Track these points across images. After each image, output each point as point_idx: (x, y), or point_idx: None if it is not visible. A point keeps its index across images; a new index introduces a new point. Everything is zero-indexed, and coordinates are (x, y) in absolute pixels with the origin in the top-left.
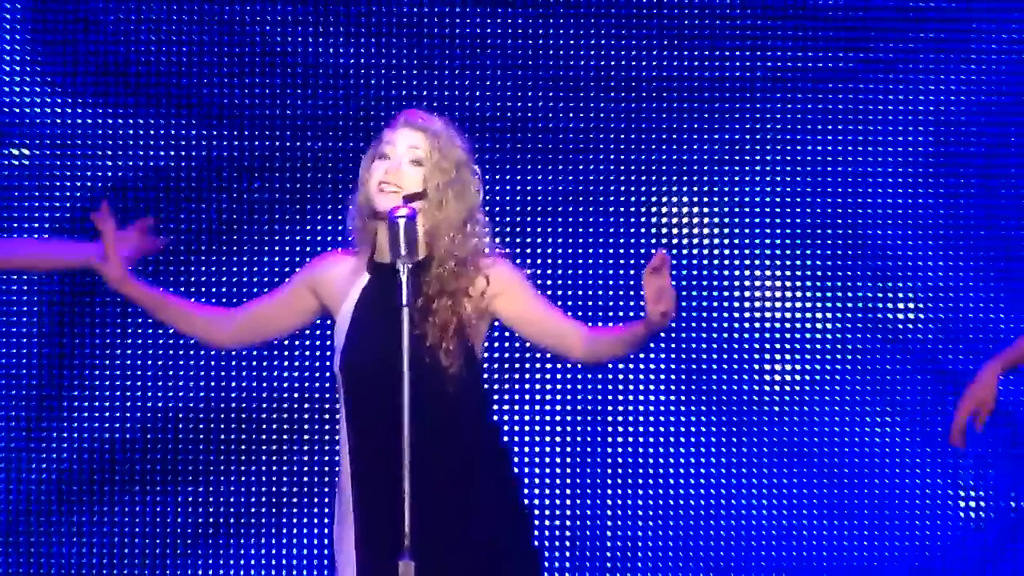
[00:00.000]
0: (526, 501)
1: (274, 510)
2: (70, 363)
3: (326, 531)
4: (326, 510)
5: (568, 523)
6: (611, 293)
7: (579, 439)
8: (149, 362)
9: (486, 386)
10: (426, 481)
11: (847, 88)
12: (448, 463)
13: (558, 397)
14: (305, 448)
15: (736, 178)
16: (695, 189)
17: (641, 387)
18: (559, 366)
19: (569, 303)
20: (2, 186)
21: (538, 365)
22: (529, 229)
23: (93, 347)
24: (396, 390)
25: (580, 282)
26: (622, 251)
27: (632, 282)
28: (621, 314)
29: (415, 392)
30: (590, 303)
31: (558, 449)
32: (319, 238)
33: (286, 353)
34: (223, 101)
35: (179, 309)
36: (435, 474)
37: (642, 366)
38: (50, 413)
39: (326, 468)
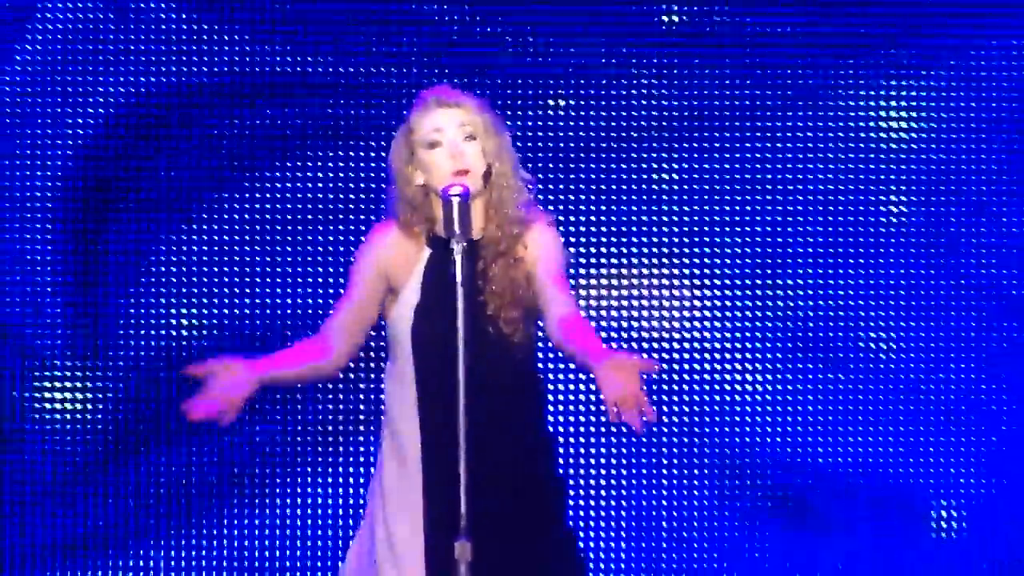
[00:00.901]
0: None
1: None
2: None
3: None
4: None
5: None
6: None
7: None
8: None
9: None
10: (491, 450)
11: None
12: (514, 430)
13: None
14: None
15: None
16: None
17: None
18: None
19: None
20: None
21: None
22: None
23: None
24: (460, 364)
25: None
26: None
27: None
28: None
29: (481, 362)
30: None
31: None
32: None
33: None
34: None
35: (288, 375)
36: (501, 443)
37: None
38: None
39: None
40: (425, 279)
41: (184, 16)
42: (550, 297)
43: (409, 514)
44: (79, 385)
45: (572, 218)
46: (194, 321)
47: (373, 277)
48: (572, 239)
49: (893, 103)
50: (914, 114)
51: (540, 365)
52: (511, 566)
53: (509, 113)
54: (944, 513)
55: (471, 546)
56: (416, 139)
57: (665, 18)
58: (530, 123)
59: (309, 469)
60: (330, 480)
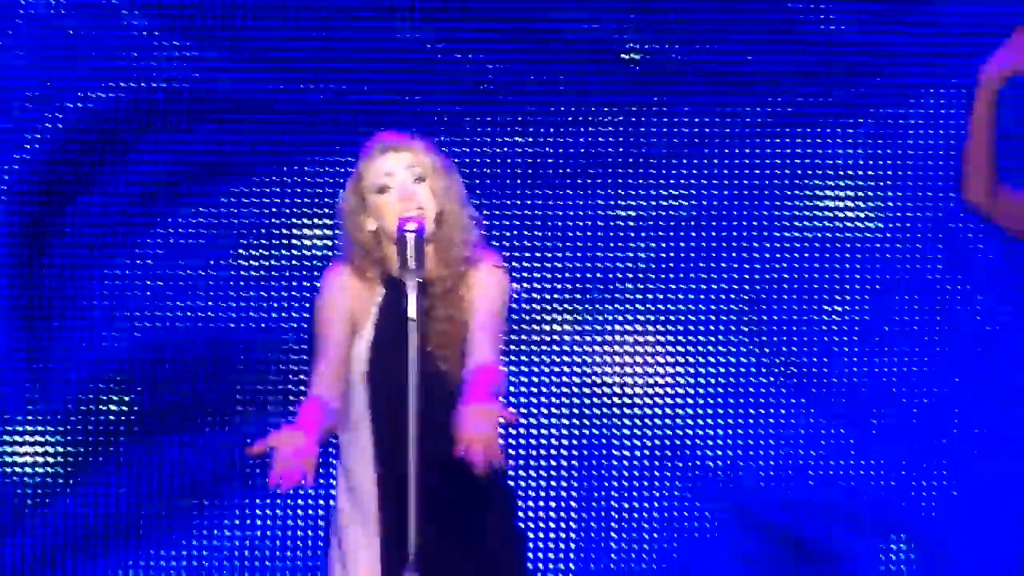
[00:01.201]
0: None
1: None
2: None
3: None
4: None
5: None
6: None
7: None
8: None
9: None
10: (446, 480)
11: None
12: (467, 472)
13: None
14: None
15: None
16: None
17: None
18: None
19: None
20: None
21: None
22: None
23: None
24: (412, 398)
25: None
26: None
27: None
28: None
29: (432, 399)
30: None
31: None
32: None
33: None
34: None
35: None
36: (452, 474)
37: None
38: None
39: None
40: (379, 318)
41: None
42: (475, 341)
43: (370, 532)
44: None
45: (527, 254)
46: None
47: (343, 319)
48: (526, 275)
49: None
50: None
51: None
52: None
53: (466, 151)
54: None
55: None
56: (366, 185)
57: (625, 56)
58: (487, 161)
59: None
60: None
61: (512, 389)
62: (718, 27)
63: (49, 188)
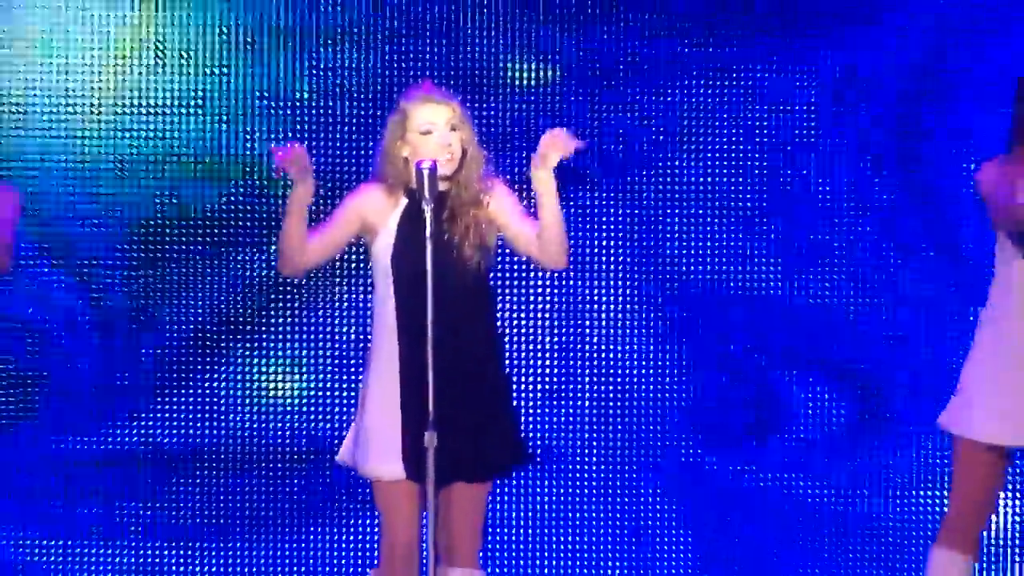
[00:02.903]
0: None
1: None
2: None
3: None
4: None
5: None
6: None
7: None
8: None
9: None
10: (463, 349)
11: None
12: (477, 339)
13: None
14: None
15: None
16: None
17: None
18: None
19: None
20: None
21: None
22: None
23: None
24: (435, 282)
25: None
26: None
27: None
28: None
29: (449, 280)
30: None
31: None
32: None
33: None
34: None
35: (304, 230)
36: (467, 345)
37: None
38: None
39: None
40: (401, 222)
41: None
42: (523, 230)
43: (391, 409)
44: None
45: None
46: None
47: (351, 219)
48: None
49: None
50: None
51: (487, 285)
52: (467, 444)
53: None
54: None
55: (437, 435)
56: (410, 125)
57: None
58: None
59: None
60: None
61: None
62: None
63: None
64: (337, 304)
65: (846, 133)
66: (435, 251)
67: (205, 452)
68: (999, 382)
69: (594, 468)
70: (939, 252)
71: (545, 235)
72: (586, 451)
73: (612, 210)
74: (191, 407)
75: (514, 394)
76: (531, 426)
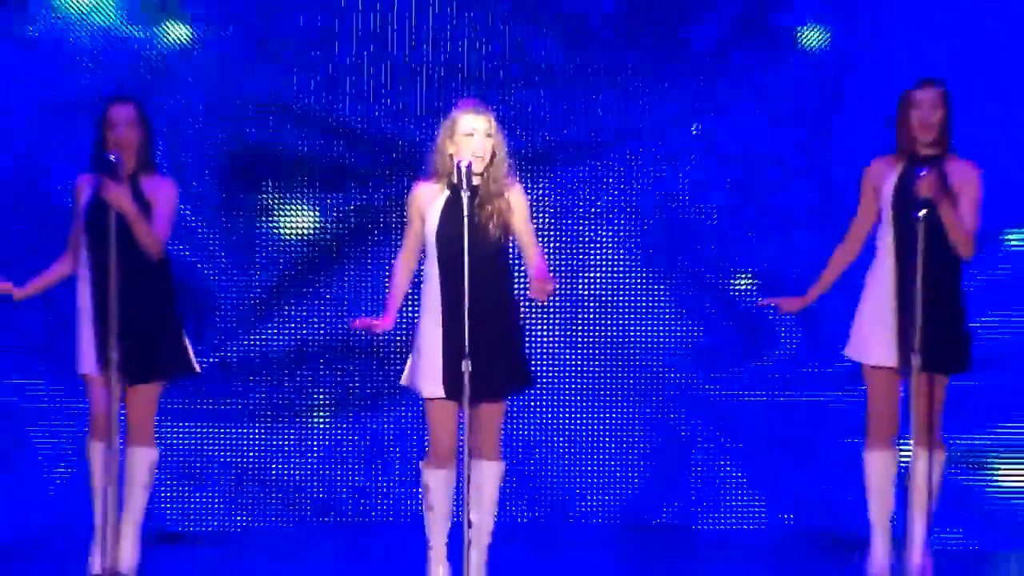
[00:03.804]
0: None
1: None
2: None
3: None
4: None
5: None
6: None
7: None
8: None
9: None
10: (489, 302)
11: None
12: (499, 294)
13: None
14: None
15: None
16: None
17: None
18: None
19: None
20: None
21: None
22: None
23: None
24: (469, 251)
25: None
26: None
27: None
28: None
29: (478, 251)
30: None
31: None
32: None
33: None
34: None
35: (406, 280)
36: (491, 298)
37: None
38: None
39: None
40: (444, 208)
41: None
42: (524, 235)
43: (436, 343)
44: None
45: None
46: None
47: (414, 216)
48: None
49: None
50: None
51: (506, 256)
52: (491, 370)
53: None
54: None
55: (471, 363)
56: (458, 129)
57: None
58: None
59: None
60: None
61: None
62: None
63: None
64: None
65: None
66: (469, 228)
67: (329, 354)
68: (876, 317)
69: (592, 387)
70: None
71: (527, 261)
72: (587, 376)
73: (603, 178)
74: (324, 320)
75: (525, 335)
76: (542, 358)
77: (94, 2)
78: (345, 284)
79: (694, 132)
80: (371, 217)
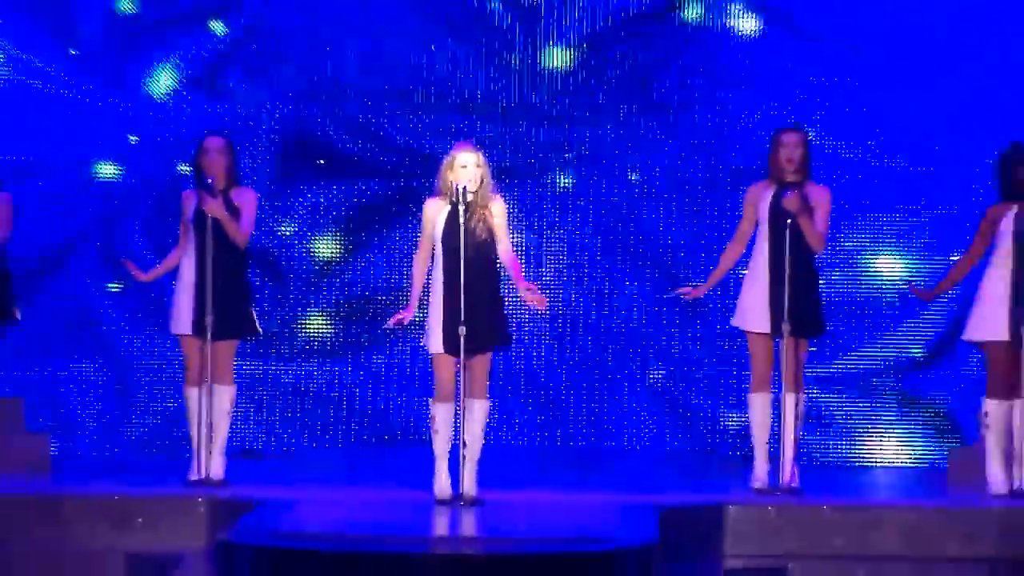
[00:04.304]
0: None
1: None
2: None
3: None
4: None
5: None
6: None
7: None
8: None
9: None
10: (476, 277)
11: None
12: (485, 278)
13: None
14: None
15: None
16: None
17: None
18: None
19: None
20: None
21: None
22: None
23: None
24: (462, 251)
25: None
26: None
27: None
28: None
29: (471, 251)
30: None
31: None
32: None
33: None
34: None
35: (423, 273)
36: (480, 281)
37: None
38: None
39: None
40: (448, 218)
41: None
42: (501, 242)
43: (440, 312)
44: None
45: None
46: None
47: (427, 224)
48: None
49: None
50: None
51: (494, 255)
52: (479, 332)
53: None
54: None
55: (465, 329)
56: (455, 163)
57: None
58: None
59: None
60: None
61: None
62: None
63: None
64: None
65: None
66: (464, 232)
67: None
68: (755, 297)
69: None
70: None
71: (505, 264)
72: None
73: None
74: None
75: (506, 307)
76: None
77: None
78: (384, 247)
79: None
80: (396, 199)
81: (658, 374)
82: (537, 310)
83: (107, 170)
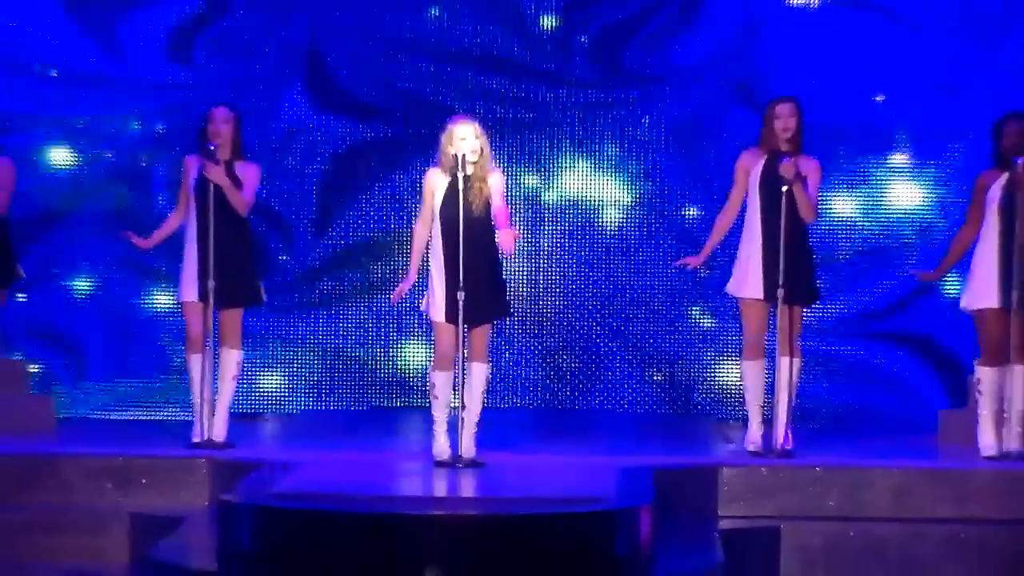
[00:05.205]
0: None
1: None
2: None
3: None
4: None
5: None
6: None
7: None
8: None
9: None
10: (475, 248)
11: None
12: (484, 249)
13: None
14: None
15: None
16: None
17: None
18: None
19: None
20: None
21: None
22: None
23: None
24: (459, 220)
25: None
26: None
27: None
28: None
29: (471, 219)
30: None
31: None
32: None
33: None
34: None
35: (424, 241)
36: (478, 251)
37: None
38: None
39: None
40: (447, 190)
41: None
42: (498, 209)
43: (441, 282)
44: None
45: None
46: None
47: (427, 193)
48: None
49: None
50: None
51: (490, 223)
52: (480, 305)
53: None
54: None
55: (464, 295)
56: (454, 135)
57: None
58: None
59: None
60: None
61: None
62: None
63: None
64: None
65: None
66: (463, 203)
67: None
68: (748, 265)
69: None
70: None
71: (497, 223)
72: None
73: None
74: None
75: (504, 278)
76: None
77: None
78: (384, 196)
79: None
80: (394, 151)
81: (655, 343)
82: (506, 251)
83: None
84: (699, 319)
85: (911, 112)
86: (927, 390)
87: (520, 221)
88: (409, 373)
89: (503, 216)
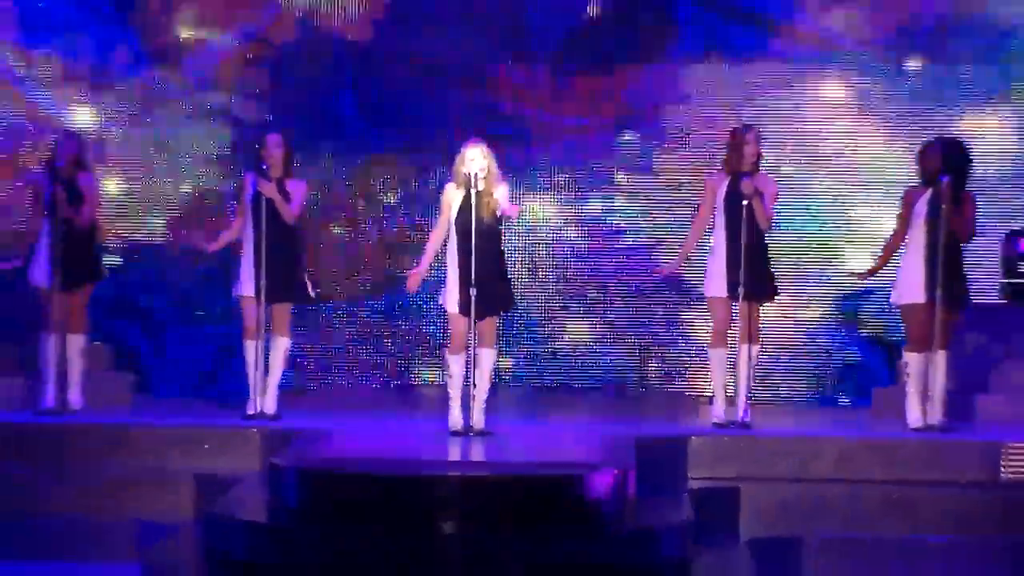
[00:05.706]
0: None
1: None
2: None
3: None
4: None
5: None
6: None
7: None
8: None
9: (500, 226)
10: (485, 252)
11: None
12: (491, 253)
13: None
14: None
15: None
16: None
17: None
18: None
19: None
20: None
21: None
22: None
23: None
24: (472, 227)
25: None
26: None
27: None
28: None
29: (481, 227)
30: None
31: None
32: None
33: None
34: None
35: (437, 246)
36: (487, 255)
37: None
38: None
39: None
40: (462, 202)
41: None
42: (504, 210)
43: (456, 279)
44: None
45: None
46: None
47: (444, 206)
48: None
49: None
50: None
51: (498, 229)
52: (488, 299)
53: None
54: None
55: (476, 291)
56: (466, 157)
57: None
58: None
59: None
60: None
61: None
62: None
63: None
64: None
65: None
66: (476, 212)
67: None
68: (716, 267)
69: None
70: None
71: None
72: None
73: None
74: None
75: (510, 276)
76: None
77: None
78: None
79: None
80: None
81: (643, 332)
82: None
83: None
84: (676, 312)
85: None
86: (865, 371)
87: (520, 221)
88: (429, 356)
89: (506, 201)
